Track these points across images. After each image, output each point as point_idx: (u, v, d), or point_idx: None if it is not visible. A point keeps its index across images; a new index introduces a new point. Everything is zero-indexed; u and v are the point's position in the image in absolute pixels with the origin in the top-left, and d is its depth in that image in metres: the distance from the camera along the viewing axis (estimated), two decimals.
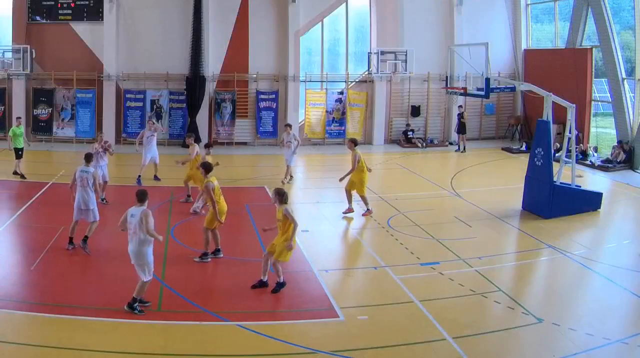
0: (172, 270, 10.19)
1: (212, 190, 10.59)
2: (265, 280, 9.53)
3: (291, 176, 17.36)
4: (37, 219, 12.97)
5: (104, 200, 14.25)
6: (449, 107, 24.14)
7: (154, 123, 17.46)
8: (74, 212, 11.13)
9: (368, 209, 13.82)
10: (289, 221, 9.31)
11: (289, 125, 17.79)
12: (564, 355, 7.60)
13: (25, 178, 16.59)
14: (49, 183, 16.02)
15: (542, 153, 14.02)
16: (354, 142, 13.89)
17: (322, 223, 13.32)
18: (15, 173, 16.68)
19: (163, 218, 13.29)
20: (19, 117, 18.47)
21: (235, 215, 13.46)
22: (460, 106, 23.44)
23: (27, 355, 7.28)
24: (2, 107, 22.24)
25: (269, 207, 14.17)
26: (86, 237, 10.99)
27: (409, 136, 23.97)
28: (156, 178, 16.65)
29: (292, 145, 16.90)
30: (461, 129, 23.08)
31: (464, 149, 22.86)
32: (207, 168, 11.00)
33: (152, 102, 22.84)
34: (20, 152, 16.82)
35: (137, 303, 8.49)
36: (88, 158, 11.81)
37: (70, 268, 10.16)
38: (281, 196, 9.42)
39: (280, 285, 9.40)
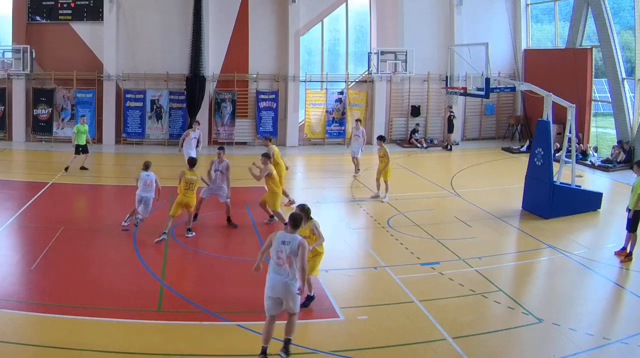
0: (172, 270, 10.20)
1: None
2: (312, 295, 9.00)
3: (358, 168, 18.33)
4: (37, 219, 12.96)
5: None
6: (454, 107, 24.11)
7: (199, 123, 18.00)
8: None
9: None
10: (315, 236, 8.82)
11: (359, 120, 19.28)
12: (564, 355, 7.59)
13: (86, 168, 17.78)
14: (49, 183, 16.02)
15: (542, 153, 14.02)
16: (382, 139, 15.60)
17: (322, 224, 13.22)
18: (66, 169, 17.44)
19: (163, 218, 13.27)
20: (83, 116, 19.46)
21: (235, 215, 13.48)
22: (450, 106, 23.70)
23: (27, 355, 7.28)
24: (2, 107, 22.24)
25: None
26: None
27: (415, 137, 23.97)
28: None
29: (360, 139, 18.23)
30: (450, 128, 23.42)
31: (451, 147, 23.42)
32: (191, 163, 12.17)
33: (152, 102, 22.84)
34: (80, 149, 17.64)
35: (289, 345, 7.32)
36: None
37: (70, 268, 10.14)
38: (307, 213, 8.60)
39: (310, 299, 8.92)
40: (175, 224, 12.77)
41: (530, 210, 14.25)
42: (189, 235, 12.03)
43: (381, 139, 15.65)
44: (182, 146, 17.00)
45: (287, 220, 8.59)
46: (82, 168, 17.80)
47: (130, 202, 12.54)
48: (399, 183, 16.52)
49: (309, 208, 8.65)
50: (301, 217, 7.64)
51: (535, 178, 14.21)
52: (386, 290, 9.62)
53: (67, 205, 14.41)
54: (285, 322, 7.38)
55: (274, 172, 12.71)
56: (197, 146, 16.96)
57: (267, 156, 12.81)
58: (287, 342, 7.28)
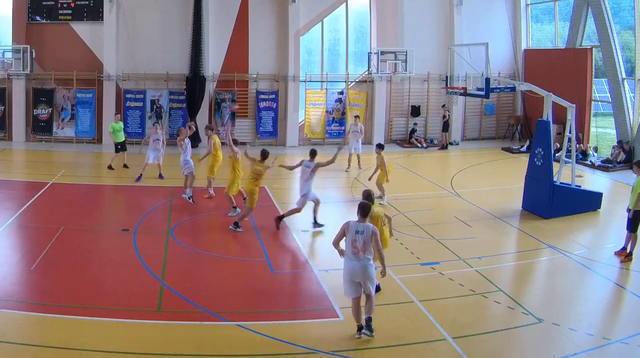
0: (172, 270, 10.19)
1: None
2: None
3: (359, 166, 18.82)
4: (37, 219, 12.96)
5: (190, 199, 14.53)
6: (449, 107, 24.12)
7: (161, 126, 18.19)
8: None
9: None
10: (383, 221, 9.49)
11: (358, 117, 20.07)
12: (564, 355, 7.59)
13: (127, 167, 17.99)
14: (49, 183, 16.02)
15: (542, 153, 14.02)
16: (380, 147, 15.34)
17: (322, 223, 13.30)
18: (109, 167, 17.78)
19: (163, 218, 13.30)
20: (118, 114, 19.84)
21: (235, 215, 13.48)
22: (444, 105, 23.75)
23: (27, 355, 7.27)
24: (2, 107, 22.25)
25: (269, 207, 14.25)
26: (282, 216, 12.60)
27: (415, 136, 23.97)
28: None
29: (359, 135, 18.84)
30: (444, 127, 23.55)
31: (446, 146, 23.53)
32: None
33: (152, 102, 22.84)
34: (119, 146, 18.05)
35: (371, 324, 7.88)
36: (313, 153, 12.99)
37: (70, 268, 10.14)
38: (371, 199, 8.92)
39: (377, 288, 8.90)
40: (175, 224, 12.78)
41: (530, 210, 14.25)
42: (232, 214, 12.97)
43: (380, 147, 15.36)
44: (145, 146, 17.16)
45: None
46: (124, 166, 18.07)
47: (131, 202, 12.52)
48: (399, 183, 16.52)
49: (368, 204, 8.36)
50: (369, 205, 8.09)
51: (535, 178, 14.21)
52: (386, 290, 9.61)
53: (67, 205, 14.39)
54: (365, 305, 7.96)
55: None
56: (162, 148, 16.92)
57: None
58: (368, 320, 7.89)
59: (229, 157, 13.44)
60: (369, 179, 15.11)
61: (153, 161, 16.60)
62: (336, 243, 8.02)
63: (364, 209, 7.88)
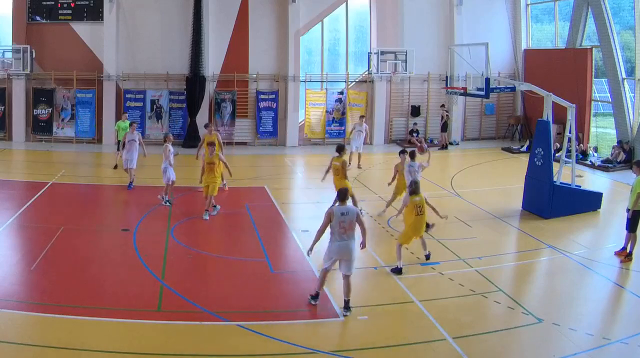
0: (172, 270, 10.19)
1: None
2: (401, 266, 10.35)
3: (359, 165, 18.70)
4: (37, 219, 12.96)
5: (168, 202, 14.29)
6: (449, 107, 24.11)
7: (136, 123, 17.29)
8: None
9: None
10: (426, 207, 10.60)
11: (363, 116, 20.24)
12: (564, 355, 7.60)
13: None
14: (49, 183, 16.02)
15: (542, 153, 14.02)
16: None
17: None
18: (115, 167, 17.67)
19: (163, 218, 13.30)
20: (125, 113, 19.55)
21: (235, 215, 13.50)
22: (442, 105, 23.75)
23: (27, 355, 7.28)
24: (2, 107, 22.25)
25: (269, 207, 14.26)
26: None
27: (415, 137, 23.96)
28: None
29: (363, 135, 18.85)
30: (443, 127, 23.55)
31: (446, 146, 23.48)
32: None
33: (152, 102, 22.85)
34: (122, 145, 17.16)
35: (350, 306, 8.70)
36: (413, 155, 13.11)
37: (70, 268, 10.14)
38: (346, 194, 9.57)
39: (398, 270, 10.24)
40: (175, 224, 12.78)
41: (530, 210, 14.25)
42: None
43: (406, 152, 13.85)
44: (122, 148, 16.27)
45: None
46: (116, 167, 17.86)
47: (131, 202, 12.52)
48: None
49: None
50: (347, 190, 9.26)
51: (535, 178, 14.21)
52: (386, 290, 9.62)
53: (67, 205, 14.40)
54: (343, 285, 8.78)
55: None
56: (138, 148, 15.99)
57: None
58: (346, 302, 8.69)
59: (206, 162, 13.22)
60: (389, 184, 13.95)
61: (129, 166, 15.75)
62: (319, 233, 8.69)
63: (344, 194, 8.88)
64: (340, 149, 13.50)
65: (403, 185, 13.29)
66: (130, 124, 16.72)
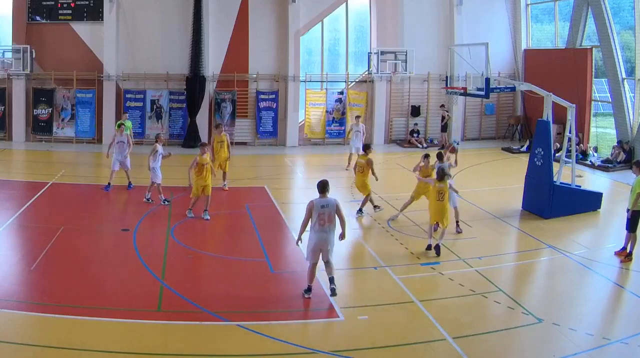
0: (172, 270, 10.20)
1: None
2: (430, 243, 11.29)
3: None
4: (37, 219, 12.96)
5: (150, 200, 14.34)
6: (449, 107, 24.11)
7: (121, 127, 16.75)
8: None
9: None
10: (449, 191, 11.35)
11: (359, 116, 20.04)
12: (564, 355, 7.60)
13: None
14: (49, 183, 16.02)
15: (542, 153, 14.02)
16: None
17: None
18: None
19: (163, 218, 13.30)
20: (125, 112, 19.38)
21: (235, 215, 13.50)
22: (442, 105, 23.74)
23: (27, 355, 7.28)
24: (2, 107, 22.25)
25: (269, 207, 14.26)
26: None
27: (415, 137, 23.96)
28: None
29: (361, 135, 18.70)
30: (444, 127, 23.57)
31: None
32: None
33: (152, 102, 22.84)
34: None
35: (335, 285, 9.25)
36: (440, 156, 12.86)
37: (70, 268, 10.14)
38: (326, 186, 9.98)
39: (429, 248, 11.24)
40: (175, 224, 12.78)
41: (530, 210, 14.25)
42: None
43: (429, 156, 13.42)
44: (110, 150, 15.76)
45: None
46: None
47: (131, 202, 12.52)
48: (398, 183, 16.53)
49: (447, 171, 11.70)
50: (327, 182, 9.33)
51: (535, 178, 14.20)
52: (386, 290, 9.62)
53: (67, 205, 14.40)
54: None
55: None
56: (127, 150, 15.62)
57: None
58: (331, 280, 9.26)
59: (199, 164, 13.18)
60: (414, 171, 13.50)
61: (120, 168, 15.51)
62: (305, 225, 9.14)
63: (324, 186, 9.21)
64: (367, 147, 13.88)
65: (421, 189, 13.10)
66: (119, 126, 16.32)
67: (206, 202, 13.22)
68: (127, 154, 15.65)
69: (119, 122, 17.39)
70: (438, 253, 11.12)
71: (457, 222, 12.72)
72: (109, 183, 15.52)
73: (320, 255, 9.22)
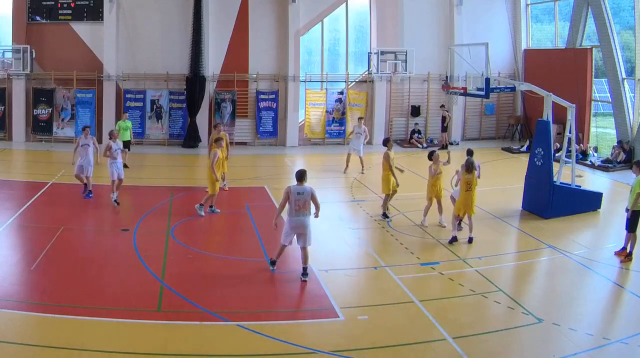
0: (172, 270, 10.19)
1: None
2: (455, 235, 11.84)
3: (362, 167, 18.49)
4: (37, 219, 12.96)
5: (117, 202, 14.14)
6: (449, 107, 24.11)
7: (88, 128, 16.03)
8: None
9: None
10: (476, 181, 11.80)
11: (362, 118, 19.83)
12: (564, 355, 7.59)
13: (127, 167, 16.56)
14: (49, 183, 16.02)
15: (542, 153, 14.02)
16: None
17: (322, 223, 13.27)
18: (126, 166, 16.89)
19: (163, 218, 13.30)
20: (125, 112, 19.33)
21: (235, 215, 13.49)
22: (442, 106, 23.75)
23: (27, 355, 7.27)
24: (2, 107, 22.24)
25: (269, 207, 14.25)
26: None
27: (416, 137, 23.96)
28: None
29: (362, 137, 18.46)
30: (442, 127, 23.55)
31: (446, 146, 23.30)
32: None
33: (152, 102, 22.84)
34: (122, 145, 16.35)
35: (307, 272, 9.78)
36: (470, 152, 12.87)
37: (70, 268, 10.14)
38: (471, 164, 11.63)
39: (454, 239, 11.74)
40: (175, 224, 12.78)
41: (530, 210, 14.25)
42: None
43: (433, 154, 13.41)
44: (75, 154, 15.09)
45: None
46: (124, 165, 16.47)
47: (130, 202, 12.52)
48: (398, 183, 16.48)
49: (472, 161, 11.99)
50: (304, 171, 9.83)
51: (535, 178, 14.20)
52: (386, 290, 9.62)
53: (67, 205, 14.38)
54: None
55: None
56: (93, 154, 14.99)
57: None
58: (304, 269, 9.76)
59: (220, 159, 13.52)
60: (456, 185, 12.70)
61: (84, 173, 14.69)
62: (280, 208, 9.81)
63: (302, 175, 9.72)
64: (386, 141, 14.06)
65: (433, 188, 13.10)
66: (83, 129, 15.62)
67: (206, 197, 13.32)
68: (92, 160, 14.77)
69: (83, 126, 16.70)
70: (470, 242, 11.76)
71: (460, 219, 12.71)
72: (90, 191, 14.79)
73: (297, 240, 9.75)
